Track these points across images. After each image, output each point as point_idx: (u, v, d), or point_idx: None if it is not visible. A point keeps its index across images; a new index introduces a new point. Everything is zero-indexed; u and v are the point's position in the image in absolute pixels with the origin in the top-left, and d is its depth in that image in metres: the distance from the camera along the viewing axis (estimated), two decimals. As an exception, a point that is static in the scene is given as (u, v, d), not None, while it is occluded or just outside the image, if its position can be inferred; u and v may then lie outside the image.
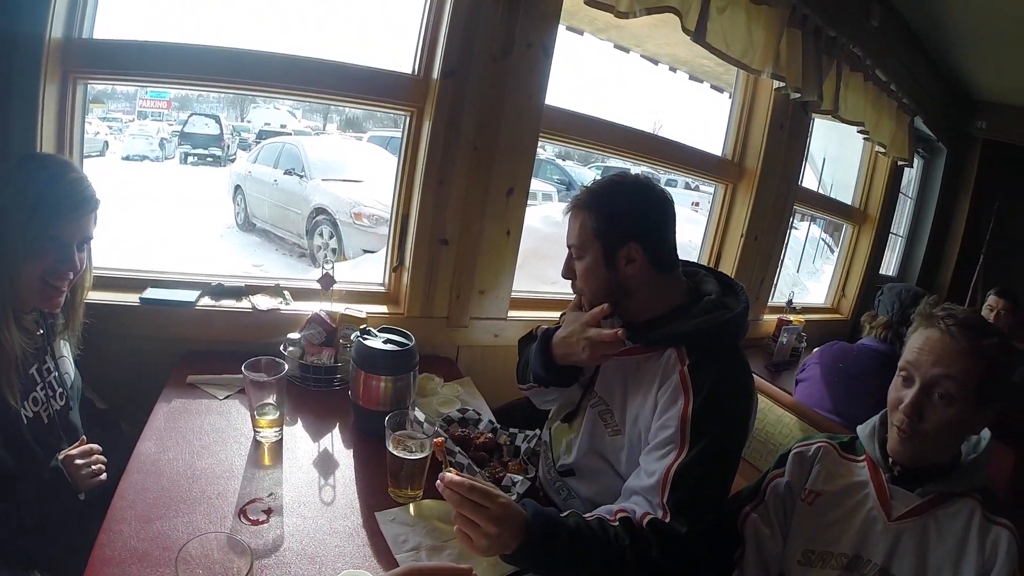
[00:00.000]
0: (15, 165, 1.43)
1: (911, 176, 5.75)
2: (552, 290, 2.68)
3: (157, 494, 1.34)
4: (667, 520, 1.33)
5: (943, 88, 5.20)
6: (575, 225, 1.54)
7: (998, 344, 1.30)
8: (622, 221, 1.50)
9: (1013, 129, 5.57)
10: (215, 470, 1.44)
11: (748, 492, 1.54)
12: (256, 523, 1.30)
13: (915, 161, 5.36)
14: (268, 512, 1.33)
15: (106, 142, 11.58)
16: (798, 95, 3.07)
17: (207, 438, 1.56)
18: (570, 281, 1.60)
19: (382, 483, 1.46)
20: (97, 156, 9.11)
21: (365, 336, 1.68)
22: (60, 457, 1.44)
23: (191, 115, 13.37)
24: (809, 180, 4.42)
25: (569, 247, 1.57)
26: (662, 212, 1.54)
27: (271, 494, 1.39)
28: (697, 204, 8.83)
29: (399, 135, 2.20)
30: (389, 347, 1.66)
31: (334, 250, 6.42)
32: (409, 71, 2.12)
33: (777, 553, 1.47)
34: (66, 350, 1.64)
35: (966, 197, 6.13)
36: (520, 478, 1.53)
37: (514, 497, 1.42)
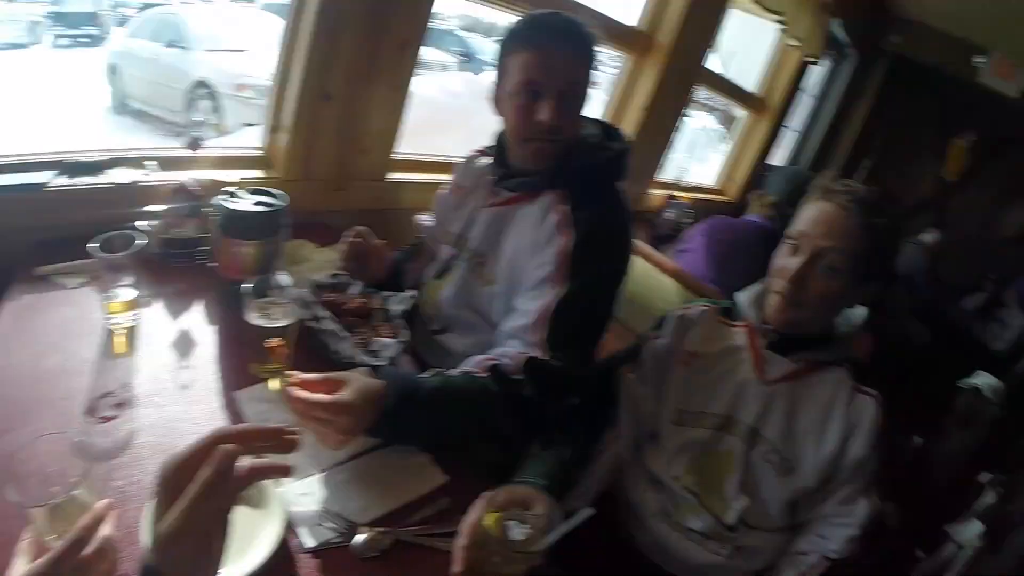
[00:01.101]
0: None
1: (816, 75, 5.82)
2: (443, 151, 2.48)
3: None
4: (545, 358, 1.32)
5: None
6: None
7: (889, 224, 1.38)
8: None
9: (921, 47, 5.73)
10: (64, 367, 1.25)
11: (625, 353, 1.58)
12: (107, 420, 1.13)
13: (823, 62, 5.49)
14: (120, 406, 1.16)
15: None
16: (718, -22, 2.92)
17: (55, 334, 1.35)
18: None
19: (245, 359, 1.31)
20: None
21: (230, 199, 1.47)
22: None
23: (64, -10, 12.30)
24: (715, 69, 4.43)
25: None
26: None
27: (124, 385, 1.21)
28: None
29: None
30: (256, 208, 1.47)
31: (216, 125, 5.96)
32: None
33: (651, 412, 1.54)
34: None
35: (865, 104, 6.38)
36: (390, 342, 1.41)
37: (380, 362, 1.34)
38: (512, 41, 1.45)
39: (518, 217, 1.53)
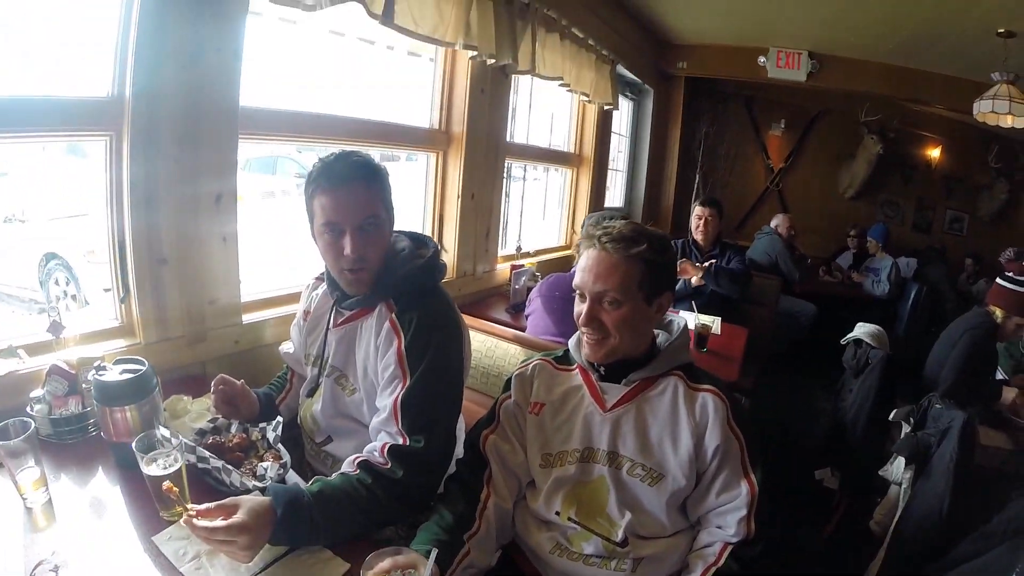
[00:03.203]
0: None
1: (623, 116, 6.35)
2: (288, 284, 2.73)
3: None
4: (406, 443, 1.56)
5: (643, 36, 5.81)
6: None
7: (648, 248, 1.55)
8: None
9: (709, 65, 6.40)
10: None
11: (485, 419, 1.77)
12: None
13: (624, 103, 6.00)
14: (56, 570, 1.31)
15: None
16: (493, 61, 3.31)
17: None
18: None
19: (154, 509, 1.49)
20: None
21: (100, 372, 1.68)
22: None
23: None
24: (542, 136, 4.81)
25: None
26: None
27: (54, 552, 1.36)
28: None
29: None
30: (125, 376, 1.67)
31: (74, 296, 5.79)
32: (104, 94, 2.02)
33: (520, 463, 1.71)
34: None
35: (676, 127, 7.03)
36: (269, 463, 1.64)
37: (267, 483, 1.55)
38: (310, 186, 1.68)
39: (362, 330, 1.79)
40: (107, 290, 2.13)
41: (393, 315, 1.72)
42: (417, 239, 1.90)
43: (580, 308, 1.61)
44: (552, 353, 1.84)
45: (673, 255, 1.72)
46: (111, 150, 2.07)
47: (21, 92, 1.94)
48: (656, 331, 1.75)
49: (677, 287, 3.58)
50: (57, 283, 6.01)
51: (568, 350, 1.79)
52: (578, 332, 1.71)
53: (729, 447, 1.56)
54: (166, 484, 1.34)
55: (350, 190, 1.66)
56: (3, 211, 6.40)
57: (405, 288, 1.75)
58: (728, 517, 1.55)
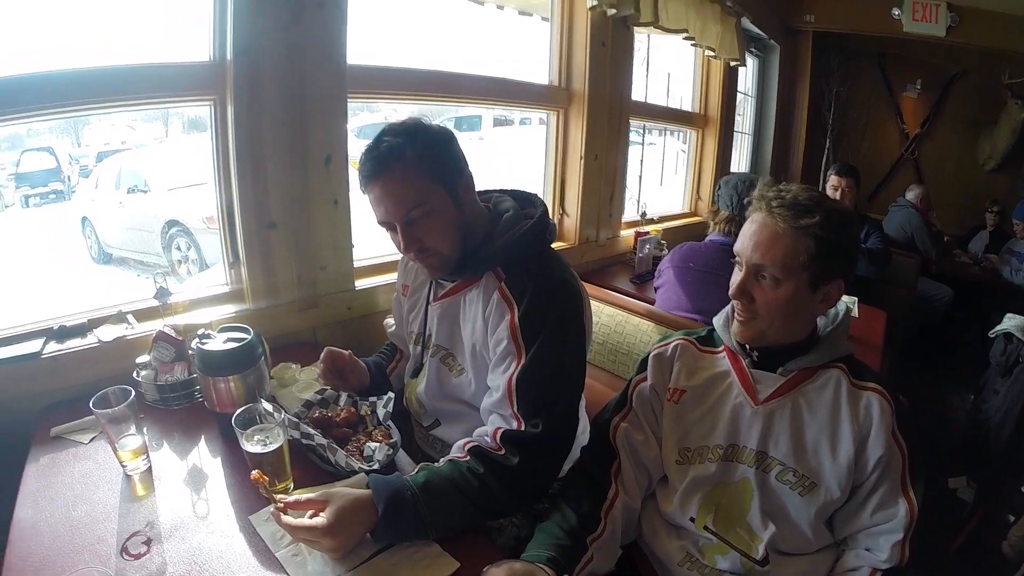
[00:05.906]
0: None
1: (748, 75, 5.98)
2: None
3: (42, 557, 1.26)
4: (521, 428, 1.38)
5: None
6: None
7: (821, 221, 1.30)
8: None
9: (838, 17, 5.93)
10: (92, 515, 1.37)
11: (615, 403, 1.58)
12: (138, 557, 1.24)
13: (749, 60, 5.61)
14: (148, 543, 1.28)
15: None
16: (614, 11, 3.10)
17: (79, 487, 1.47)
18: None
19: (253, 485, 1.38)
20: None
21: (204, 340, 1.60)
22: None
23: (22, 153, 12.27)
24: (658, 96, 4.57)
25: None
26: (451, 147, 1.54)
27: (148, 523, 1.33)
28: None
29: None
30: (229, 346, 1.59)
31: (195, 261, 6.02)
32: (205, 58, 1.98)
33: (653, 457, 1.51)
34: None
35: (804, 87, 6.52)
36: (378, 445, 1.52)
37: (375, 466, 1.44)
38: (359, 177, 1.50)
39: (466, 303, 1.61)
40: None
41: (502, 284, 1.52)
42: (522, 198, 1.69)
43: (735, 280, 1.41)
44: (694, 332, 1.62)
45: (854, 237, 1.46)
46: (216, 114, 2.05)
47: (125, 62, 1.91)
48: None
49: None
50: (179, 248, 6.24)
51: (712, 329, 1.58)
52: (725, 309, 1.53)
53: (892, 459, 1.34)
54: (254, 474, 1.26)
55: (384, 185, 1.45)
56: (127, 181, 6.76)
57: (513, 255, 1.54)
58: (881, 539, 1.35)
